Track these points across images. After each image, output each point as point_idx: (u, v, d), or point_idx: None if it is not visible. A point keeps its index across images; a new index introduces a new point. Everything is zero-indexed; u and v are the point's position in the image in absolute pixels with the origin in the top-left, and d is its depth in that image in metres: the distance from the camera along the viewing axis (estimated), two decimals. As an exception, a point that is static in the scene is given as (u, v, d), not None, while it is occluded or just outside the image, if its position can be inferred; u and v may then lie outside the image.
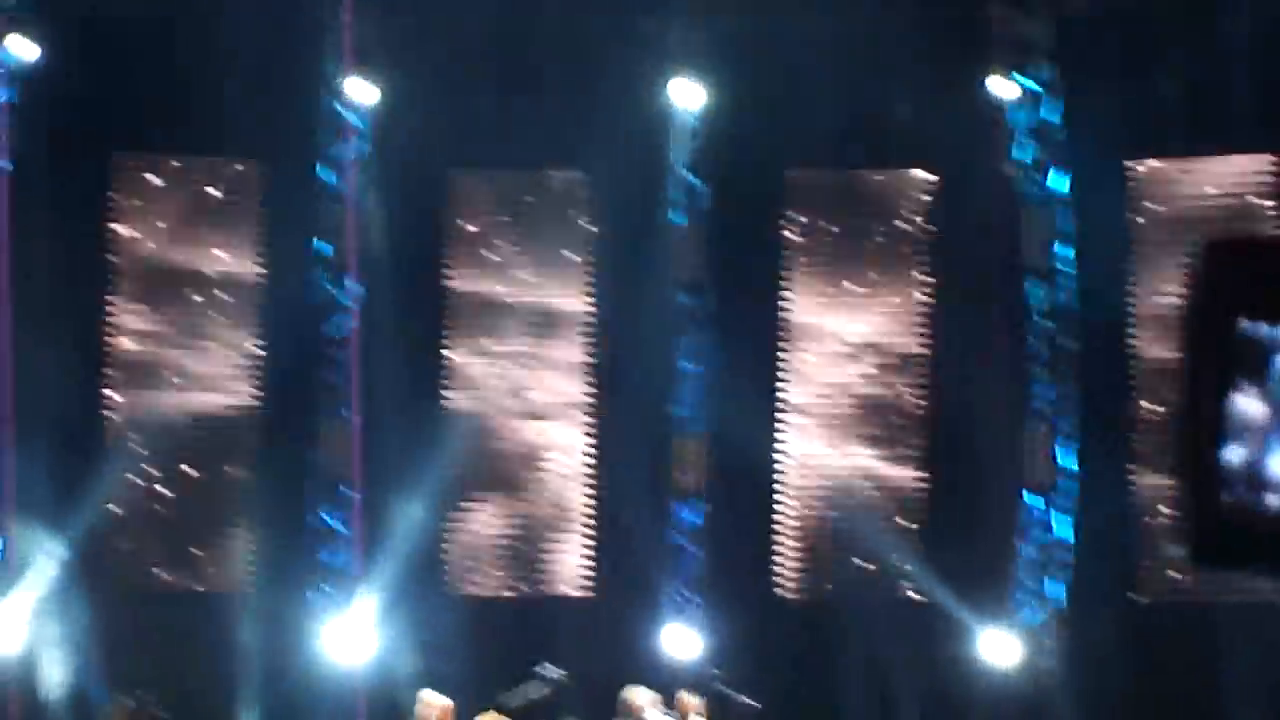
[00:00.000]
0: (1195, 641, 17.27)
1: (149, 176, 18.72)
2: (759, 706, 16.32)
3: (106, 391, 18.51)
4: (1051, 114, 18.29)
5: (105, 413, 18.47)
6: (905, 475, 18.67)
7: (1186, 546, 2.84)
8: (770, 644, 18.04)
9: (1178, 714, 16.64)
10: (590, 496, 18.80)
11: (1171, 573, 17.89)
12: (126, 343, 18.61)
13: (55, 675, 17.34)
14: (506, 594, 18.70)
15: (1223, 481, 2.78)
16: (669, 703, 15.88)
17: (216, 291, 18.73)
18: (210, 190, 18.81)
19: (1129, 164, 18.35)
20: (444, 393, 18.83)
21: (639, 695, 15.21)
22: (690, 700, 15.86)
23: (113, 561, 18.27)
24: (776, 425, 18.78)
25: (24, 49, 17.59)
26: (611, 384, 18.76)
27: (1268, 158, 17.94)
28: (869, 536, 18.54)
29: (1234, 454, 2.80)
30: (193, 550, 18.49)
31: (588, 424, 18.87)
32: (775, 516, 18.69)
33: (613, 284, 18.87)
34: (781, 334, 18.87)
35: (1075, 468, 18.07)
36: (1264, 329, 2.77)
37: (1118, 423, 18.17)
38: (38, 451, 17.33)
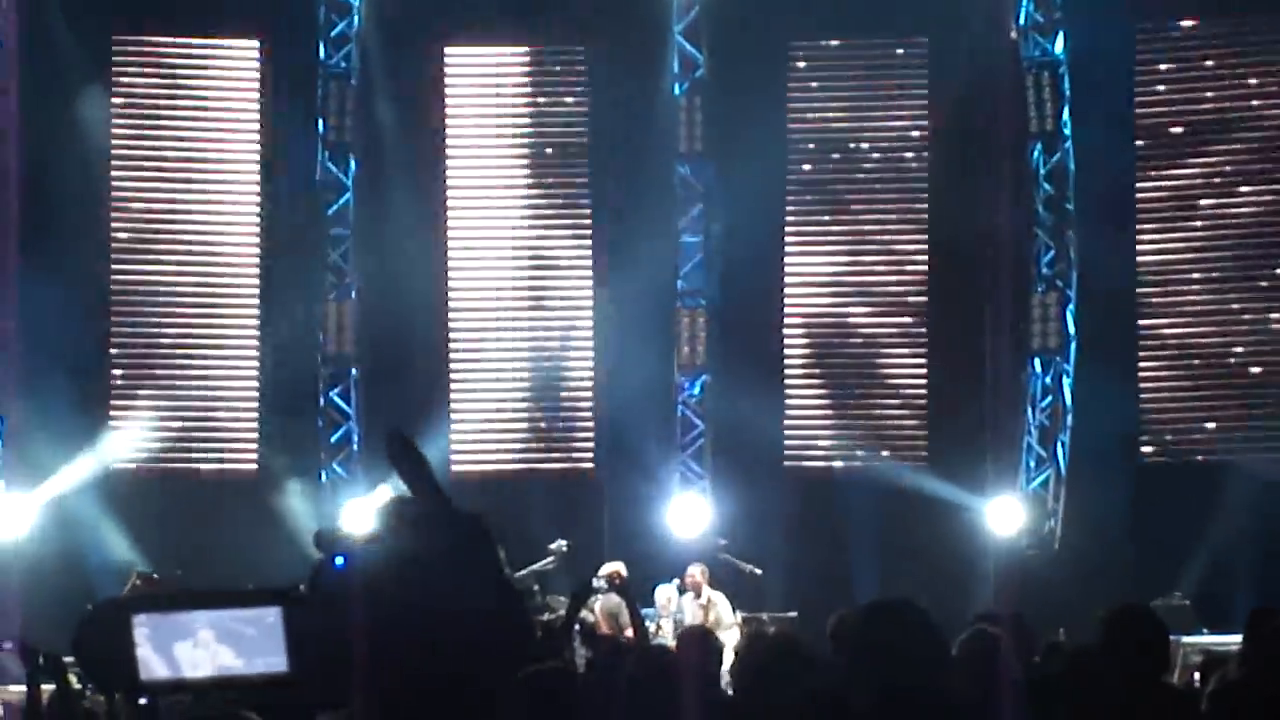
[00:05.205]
0: (1195, 500, 17.21)
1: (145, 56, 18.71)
2: (761, 573, 16.34)
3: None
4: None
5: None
6: (908, 340, 18.62)
7: None
8: (776, 513, 17.99)
9: (1178, 572, 16.62)
10: (592, 371, 18.77)
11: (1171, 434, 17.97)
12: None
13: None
14: (511, 468, 18.70)
15: None
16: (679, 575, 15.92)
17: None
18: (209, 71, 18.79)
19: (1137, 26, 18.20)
20: (449, 271, 18.81)
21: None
22: (698, 573, 15.88)
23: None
24: (783, 295, 18.71)
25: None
26: (614, 257, 18.66)
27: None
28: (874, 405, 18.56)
29: None
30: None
31: (591, 297, 18.80)
32: (783, 388, 18.65)
33: (612, 157, 18.76)
34: (789, 204, 18.77)
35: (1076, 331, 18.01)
36: None
37: (1120, 291, 18.08)
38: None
